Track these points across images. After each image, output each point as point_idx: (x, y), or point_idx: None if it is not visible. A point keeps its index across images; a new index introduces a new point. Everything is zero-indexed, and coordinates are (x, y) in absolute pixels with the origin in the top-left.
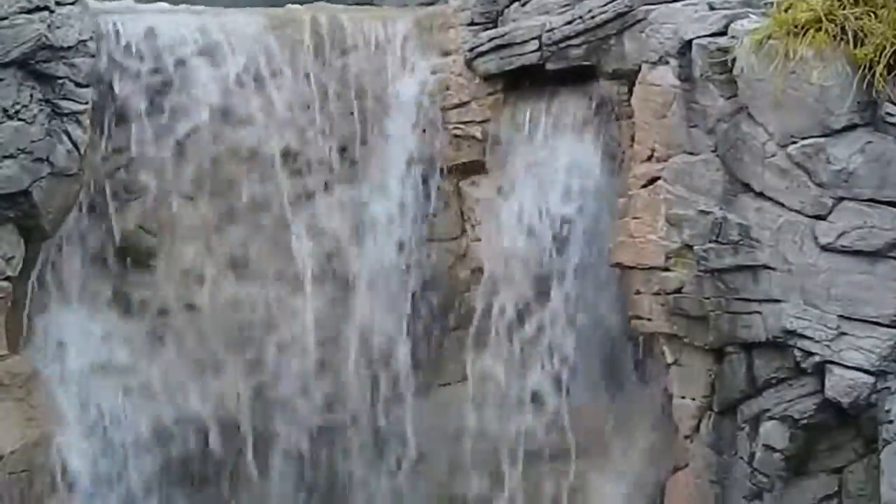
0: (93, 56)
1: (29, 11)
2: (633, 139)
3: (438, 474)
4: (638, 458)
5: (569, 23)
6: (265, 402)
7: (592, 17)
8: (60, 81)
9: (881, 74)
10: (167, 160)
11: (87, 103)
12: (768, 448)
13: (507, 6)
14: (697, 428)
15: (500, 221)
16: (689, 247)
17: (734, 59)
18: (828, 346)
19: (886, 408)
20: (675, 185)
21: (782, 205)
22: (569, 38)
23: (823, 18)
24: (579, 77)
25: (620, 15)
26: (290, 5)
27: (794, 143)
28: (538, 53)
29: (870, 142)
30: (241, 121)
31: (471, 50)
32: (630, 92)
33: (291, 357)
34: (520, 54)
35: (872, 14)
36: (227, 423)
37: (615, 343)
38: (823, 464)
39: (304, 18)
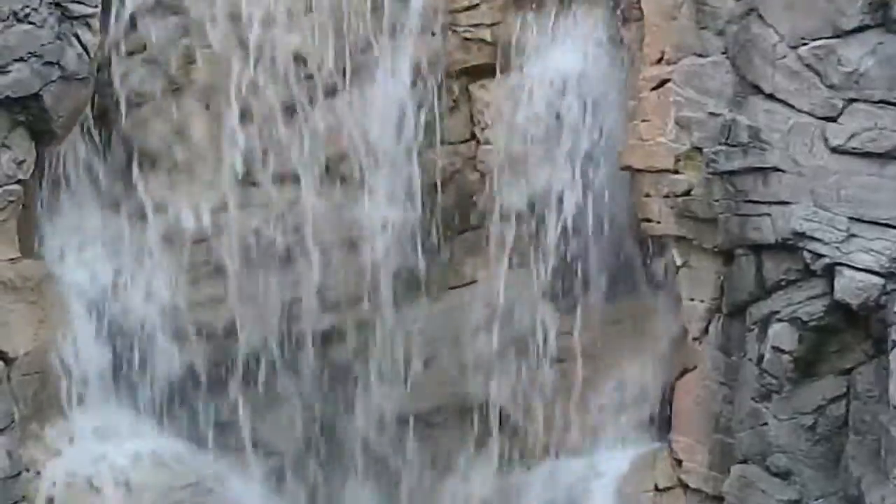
0: None
1: None
2: (642, 41)
3: (445, 376)
4: (647, 360)
5: None
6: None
7: None
8: None
9: None
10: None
11: (96, 6)
12: (777, 350)
13: None
14: (706, 330)
15: (510, 125)
16: (699, 149)
17: None
18: (837, 248)
19: (895, 309)
20: (685, 87)
21: (792, 107)
22: None
23: None
24: None
25: None
26: None
27: (805, 44)
28: None
29: (881, 43)
30: (252, 20)
31: None
32: None
33: (297, 259)
34: None
35: None
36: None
37: (625, 246)
38: (832, 365)
39: None
